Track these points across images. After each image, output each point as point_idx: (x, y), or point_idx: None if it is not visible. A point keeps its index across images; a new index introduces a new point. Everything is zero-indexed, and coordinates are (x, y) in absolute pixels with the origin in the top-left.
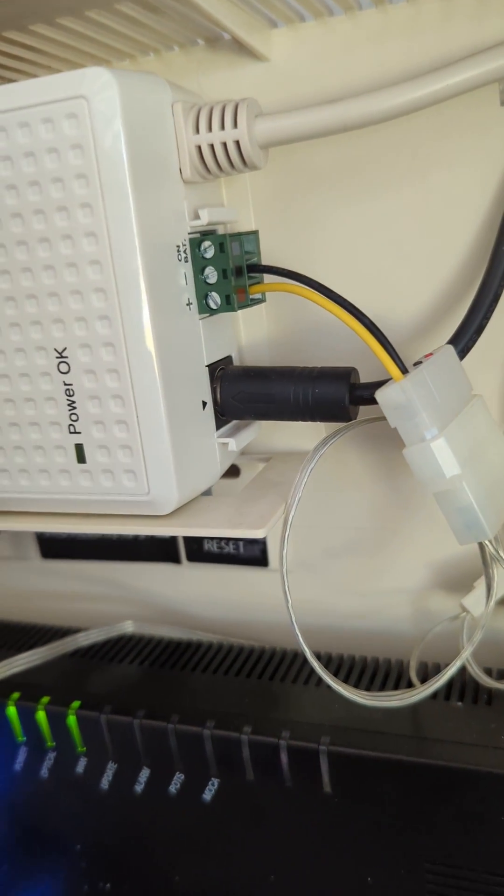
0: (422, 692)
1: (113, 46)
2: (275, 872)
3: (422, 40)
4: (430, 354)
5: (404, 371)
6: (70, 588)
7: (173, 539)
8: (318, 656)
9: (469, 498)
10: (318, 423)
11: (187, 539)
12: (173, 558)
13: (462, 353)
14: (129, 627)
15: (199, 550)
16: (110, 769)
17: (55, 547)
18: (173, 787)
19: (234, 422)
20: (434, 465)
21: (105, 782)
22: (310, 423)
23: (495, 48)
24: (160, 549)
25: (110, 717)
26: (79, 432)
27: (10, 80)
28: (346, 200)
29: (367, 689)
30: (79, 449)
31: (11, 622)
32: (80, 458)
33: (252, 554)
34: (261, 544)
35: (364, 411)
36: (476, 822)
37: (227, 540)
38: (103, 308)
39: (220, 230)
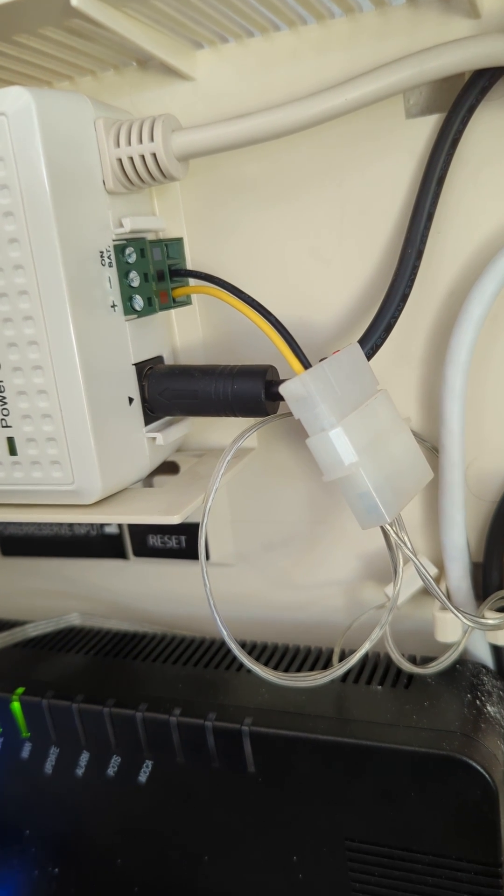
0: (332, 673)
1: (51, 69)
2: (208, 853)
3: (331, 58)
4: (338, 351)
5: (307, 366)
6: (28, 584)
7: (120, 535)
8: (255, 646)
9: (366, 484)
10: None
11: (133, 535)
12: (120, 554)
13: (372, 351)
14: (76, 619)
15: (144, 545)
16: (53, 753)
17: (15, 545)
18: (111, 770)
19: (167, 418)
20: (333, 453)
21: (49, 766)
22: (242, 419)
23: (392, 64)
24: (109, 546)
25: (51, 701)
26: (10, 426)
27: None
28: (270, 208)
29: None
30: (10, 442)
31: None
32: (12, 450)
33: (194, 548)
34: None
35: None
36: (388, 798)
37: (170, 535)
38: (28, 309)
39: (151, 237)
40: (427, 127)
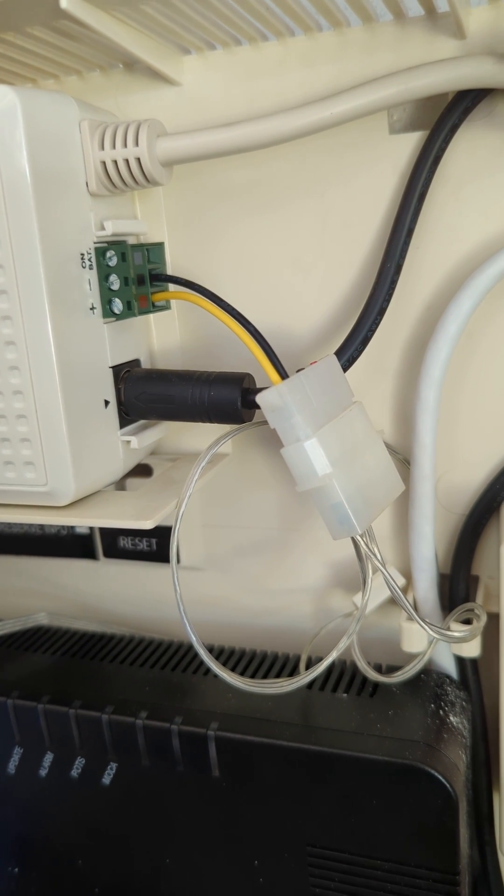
0: (299, 680)
1: (37, 67)
2: (170, 855)
3: (318, 70)
4: (315, 362)
5: (284, 377)
6: None
7: (90, 535)
8: (223, 650)
9: (339, 495)
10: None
11: (103, 535)
12: (90, 554)
13: (348, 363)
14: (43, 619)
15: (114, 547)
16: (17, 754)
17: None
18: (75, 772)
19: (141, 422)
20: (307, 464)
21: (12, 767)
22: (217, 425)
23: (378, 80)
24: (79, 546)
25: (16, 701)
26: None
27: None
28: (252, 217)
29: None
30: None
31: None
32: None
33: (164, 551)
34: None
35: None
36: (350, 805)
37: (141, 537)
38: (6, 309)
39: (132, 241)
40: (410, 143)
